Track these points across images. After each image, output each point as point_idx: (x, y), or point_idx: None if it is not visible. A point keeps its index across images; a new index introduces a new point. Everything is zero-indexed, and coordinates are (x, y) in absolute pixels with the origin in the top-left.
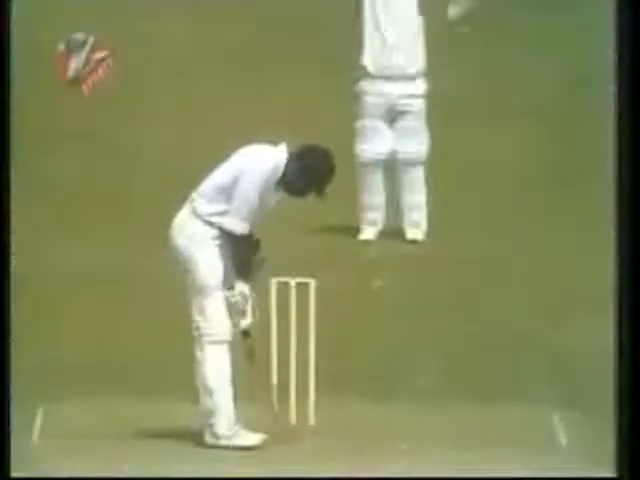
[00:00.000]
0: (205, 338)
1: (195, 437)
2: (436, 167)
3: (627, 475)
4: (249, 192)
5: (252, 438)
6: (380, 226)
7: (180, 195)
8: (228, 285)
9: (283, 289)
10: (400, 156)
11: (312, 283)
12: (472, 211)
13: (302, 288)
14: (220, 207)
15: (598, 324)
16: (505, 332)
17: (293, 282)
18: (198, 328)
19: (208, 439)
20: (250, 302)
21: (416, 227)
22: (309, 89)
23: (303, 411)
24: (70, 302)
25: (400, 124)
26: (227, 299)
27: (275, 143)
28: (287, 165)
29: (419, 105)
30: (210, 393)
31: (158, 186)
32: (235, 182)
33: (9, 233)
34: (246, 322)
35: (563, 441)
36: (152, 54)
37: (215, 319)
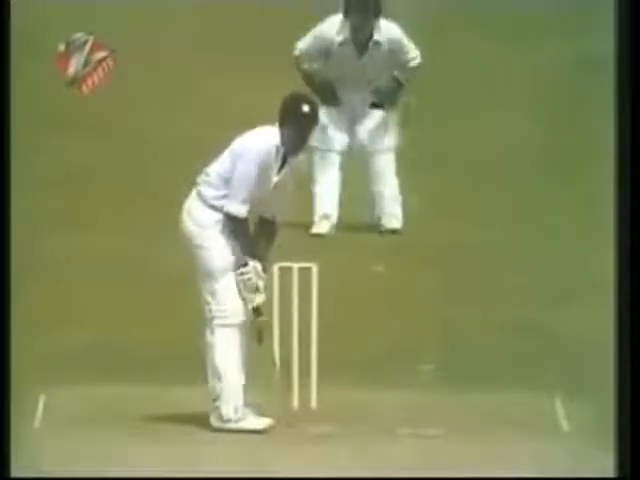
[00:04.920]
0: (216, 321)
1: (198, 421)
2: (435, 154)
3: (629, 475)
4: (246, 176)
5: (258, 422)
6: (334, 220)
7: (182, 182)
8: (240, 263)
9: (285, 274)
10: (369, 148)
11: (314, 268)
12: (470, 198)
13: (304, 273)
14: (222, 192)
15: (598, 310)
16: (505, 318)
17: (296, 267)
18: (210, 311)
19: (214, 422)
20: (263, 280)
21: (395, 218)
22: None
23: (305, 395)
24: (71, 289)
25: (366, 117)
26: (240, 276)
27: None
28: (281, 135)
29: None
30: (218, 376)
31: (160, 174)
32: (233, 167)
33: (10, 221)
34: (259, 299)
35: (564, 426)
36: (153, 44)
37: (227, 302)
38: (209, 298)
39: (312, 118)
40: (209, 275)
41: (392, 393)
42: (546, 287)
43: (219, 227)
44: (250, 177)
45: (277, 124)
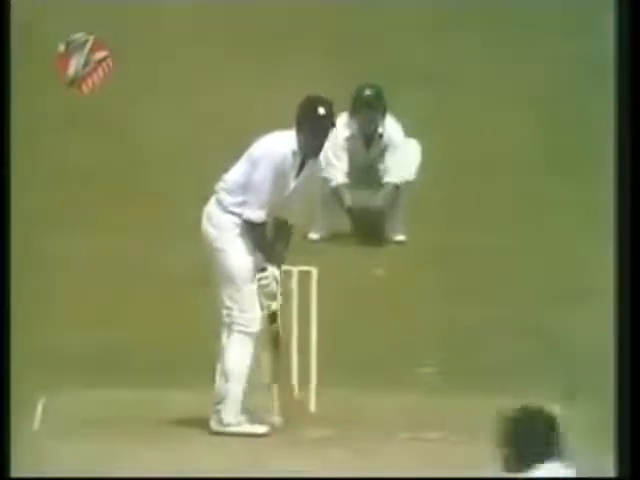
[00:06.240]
0: (235, 327)
1: (199, 424)
2: (434, 154)
3: (629, 476)
4: (263, 182)
5: (257, 428)
6: (332, 227)
7: (182, 182)
8: (259, 267)
9: (285, 277)
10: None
11: (314, 271)
12: (470, 199)
13: (304, 276)
14: (240, 198)
15: (599, 311)
16: (506, 320)
17: (296, 270)
18: (230, 316)
19: (214, 425)
20: (279, 286)
21: (401, 232)
22: (309, 75)
23: (305, 398)
24: (71, 290)
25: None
26: (258, 281)
27: (278, 128)
28: (298, 140)
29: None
30: (226, 378)
31: (160, 174)
32: (251, 172)
33: (10, 221)
34: (275, 305)
35: (564, 426)
36: (153, 44)
37: (248, 310)
38: (229, 303)
39: (328, 120)
40: (230, 279)
41: (392, 396)
42: (546, 289)
43: (239, 231)
44: (266, 183)
45: (294, 128)
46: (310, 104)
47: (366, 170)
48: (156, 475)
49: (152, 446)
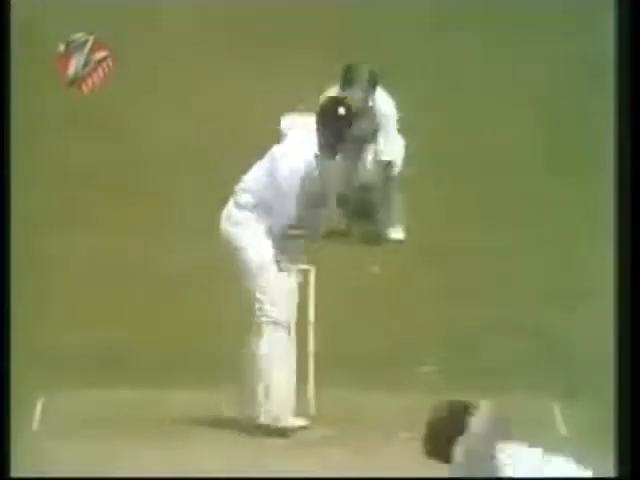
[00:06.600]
0: (265, 319)
1: (196, 425)
2: (435, 155)
3: (629, 476)
4: (289, 194)
5: (294, 420)
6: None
7: (182, 182)
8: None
9: None
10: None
11: (312, 270)
12: (470, 199)
13: (303, 275)
14: (260, 200)
15: (599, 311)
16: (506, 320)
17: (295, 269)
18: (261, 309)
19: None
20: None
21: (400, 230)
22: (309, 75)
23: (304, 398)
24: (71, 290)
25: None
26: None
27: (276, 128)
28: (319, 142)
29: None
30: (259, 365)
31: (160, 174)
32: (273, 181)
33: (10, 221)
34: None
35: (564, 426)
36: (153, 44)
37: (278, 301)
38: (259, 295)
39: (348, 119)
40: (257, 275)
41: (392, 396)
42: (546, 289)
43: (255, 227)
44: (296, 194)
45: (315, 130)
46: (330, 105)
47: (355, 139)
48: (156, 475)
49: (152, 446)
